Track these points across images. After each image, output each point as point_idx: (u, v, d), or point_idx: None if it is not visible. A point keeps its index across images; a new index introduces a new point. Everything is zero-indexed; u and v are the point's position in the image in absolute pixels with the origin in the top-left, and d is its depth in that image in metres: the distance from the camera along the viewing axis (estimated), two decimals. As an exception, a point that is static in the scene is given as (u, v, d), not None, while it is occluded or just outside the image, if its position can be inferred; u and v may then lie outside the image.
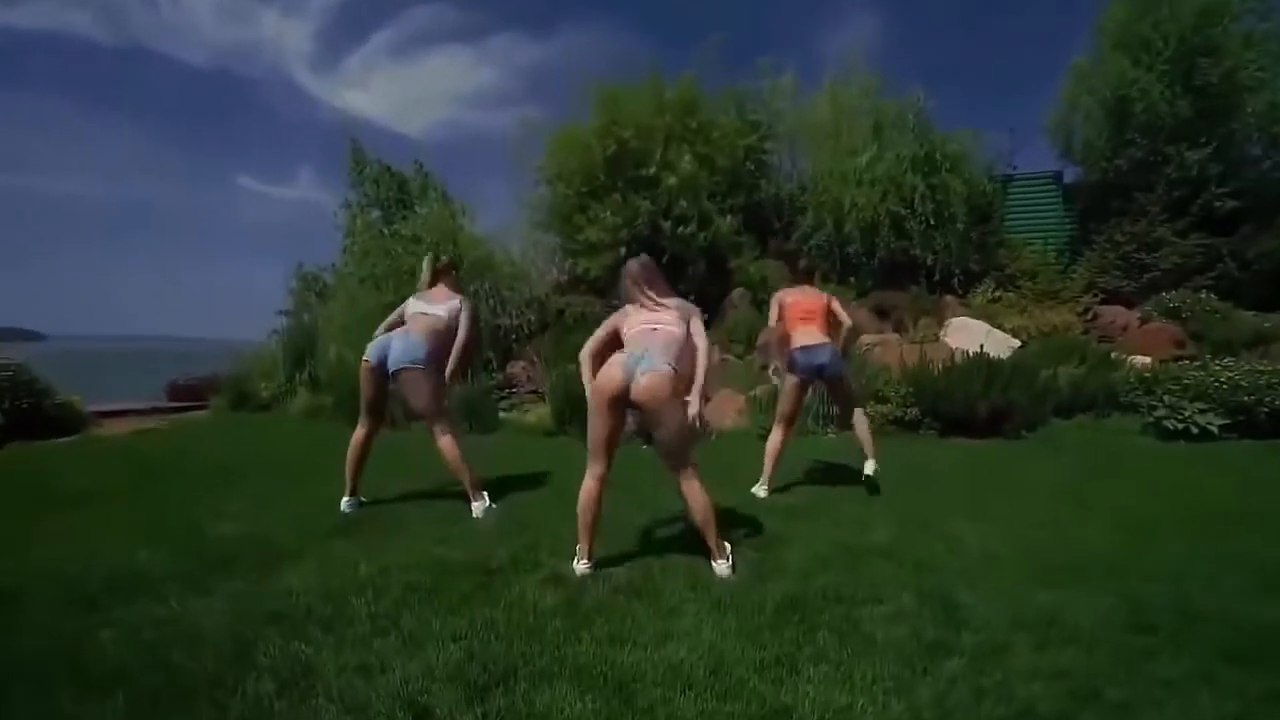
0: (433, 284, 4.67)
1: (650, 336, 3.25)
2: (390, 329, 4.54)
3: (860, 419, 4.99)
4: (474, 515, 4.19)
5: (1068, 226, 11.88)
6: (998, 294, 10.63)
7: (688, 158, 10.78)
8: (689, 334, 3.34)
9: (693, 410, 3.20)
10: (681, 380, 3.19)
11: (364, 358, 4.34)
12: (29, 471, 5.67)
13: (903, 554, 3.46)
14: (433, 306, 4.47)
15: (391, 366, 4.27)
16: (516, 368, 10.34)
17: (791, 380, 4.94)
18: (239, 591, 2.87)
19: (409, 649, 2.40)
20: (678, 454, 3.20)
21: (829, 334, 4.97)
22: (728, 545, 3.32)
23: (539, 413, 7.94)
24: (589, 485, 3.27)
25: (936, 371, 7.43)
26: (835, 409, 7.33)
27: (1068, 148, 11.84)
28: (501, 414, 9.21)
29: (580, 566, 3.20)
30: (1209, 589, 2.95)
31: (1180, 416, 6.80)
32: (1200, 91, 10.35)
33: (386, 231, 11.33)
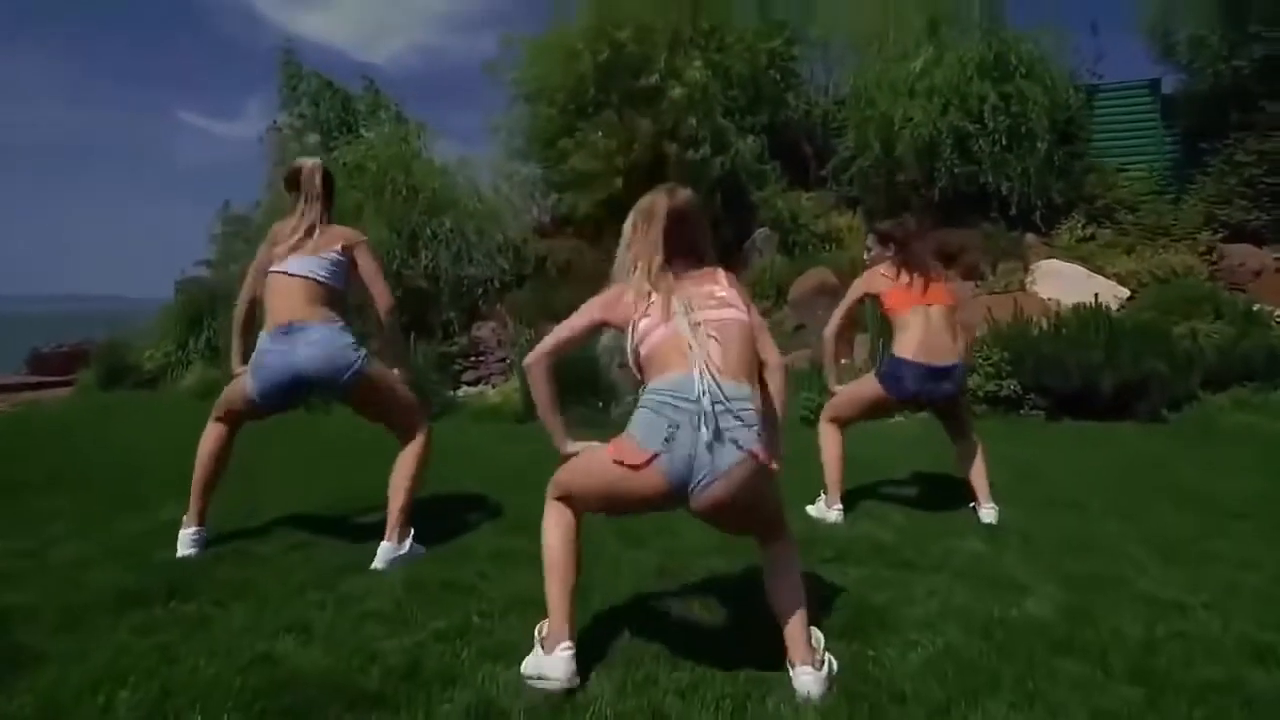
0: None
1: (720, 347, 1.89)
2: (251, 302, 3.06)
3: (971, 450, 3.51)
4: (375, 562, 2.76)
5: (1169, 146, 10.33)
6: (1089, 231, 9.12)
7: (698, 64, 9.34)
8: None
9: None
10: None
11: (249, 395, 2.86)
12: None
13: (1095, 644, 2.06)
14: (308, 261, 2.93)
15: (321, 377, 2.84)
16: (484, 330, 8.95)
17: (878, 393, 3.44)
18: None
19: None
20: (773, 524, 2.01)
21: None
22: (821, 638, 1.99)
23: (505, 390, 6.50)
24: (559, 534, 2.01)
25: (1039, 331, 5.98)
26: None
27: (1168, 48, 10.27)
28: (463, 389, 7.84)
29: (558, 657, 1.86)
30: None
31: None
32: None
33: (326, 159, 9.81)
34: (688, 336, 1.84)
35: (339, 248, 2.95)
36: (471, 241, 9.11)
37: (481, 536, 3.17)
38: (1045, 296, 7.45)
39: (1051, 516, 3.40)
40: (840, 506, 3.45)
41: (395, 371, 3.09)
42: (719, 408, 1.76)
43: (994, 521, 3.31)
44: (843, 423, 3.57)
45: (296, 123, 10.34)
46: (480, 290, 9.03)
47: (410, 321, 8.41)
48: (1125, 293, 7.67)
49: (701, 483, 1.76)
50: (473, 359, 8.56)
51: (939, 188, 9.34)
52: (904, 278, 3.41)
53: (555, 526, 1.99)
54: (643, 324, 1.93)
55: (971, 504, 3.46)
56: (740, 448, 1.75)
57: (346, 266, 2.98)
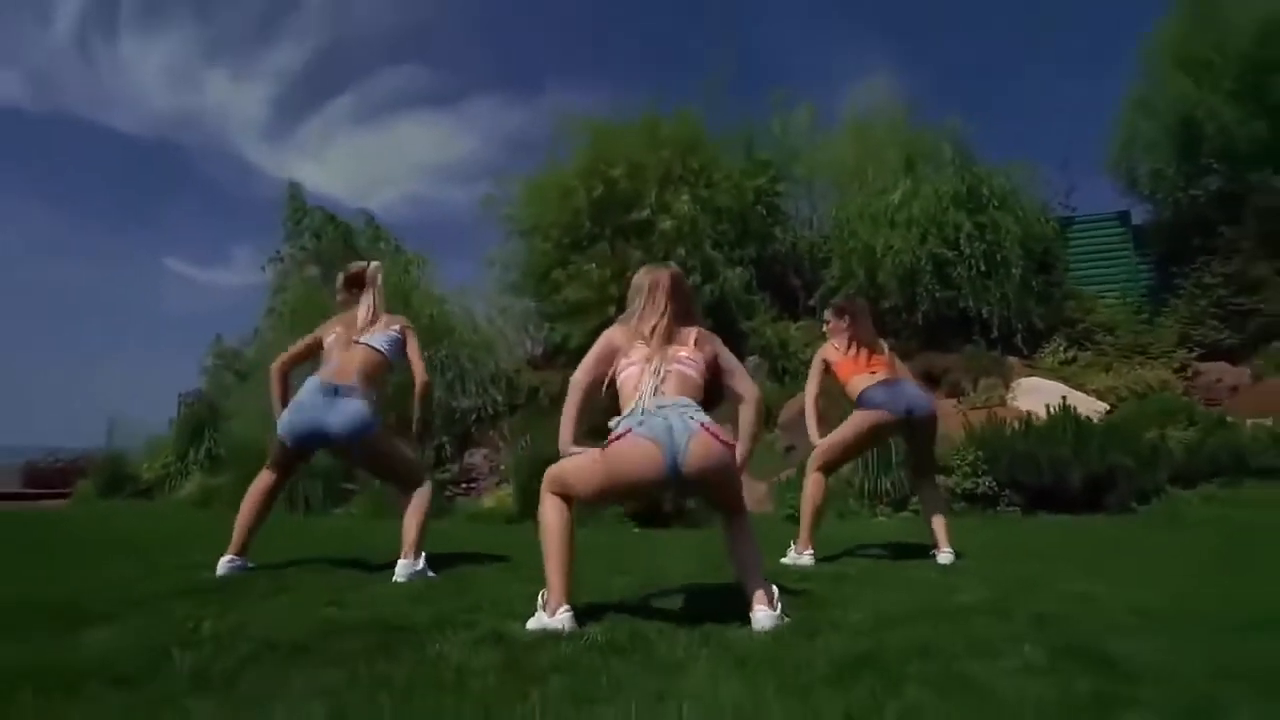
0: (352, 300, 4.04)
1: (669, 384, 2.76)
2: (296, 361, 3.98)
3: (936, 496, 4.39)
4: (395, 576, 3.49)
5: (1143, 272, 11.58)
6: (1071, 353, 10.15)
7: (686, 199, 10.59)
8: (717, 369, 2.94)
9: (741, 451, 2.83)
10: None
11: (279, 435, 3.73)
12: None
13: (1011, 610, 2.79)
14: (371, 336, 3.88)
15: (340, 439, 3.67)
16: (477, 456, 9.70)
17: (867, 418, 4.22)
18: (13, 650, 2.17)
19: (239, 707, 1.71)
20: (736, 500, 2.83)
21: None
22: (776, 590, 2.68)
23: (500, 495, 7.24)
24: (557, 515, 2.73)
25: (1012, 431, 6.83)
26: (911, 471, 6.72)
27: (1132, 182, 11.77)
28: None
29: (559, 617, 2.54)
30: None
31: (1335, 477, 6.17)
32: (1276, 112, 10.31)
33: (324, 288, 10.92)
34: (644, 380, 2.72)
35: (398, 328, 3.91)
36: (466, 370, 10.03)
37: (479, 569, 3.87)
38: (1025, 409, 8.31)
39: (1007, 563, 4.11)
40: (811, 551, 4.19)
41: (414, 426, 3.95)
42: (662, 409, 2.60)
43: (949, 562, 4.05)
44: (831, 466, 4.37)
45: (299, 254, 11.56)
46: (474, 418, 9.86)
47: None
48: (1104, 407, 8.54)
49: (682, 449, 2.52)
50: (463, 485, 9.29)
51: (921, 312, 10.43)
52: (851, 350, 4.35)
53: (552, 510, 2.71)
54: (623, 364, 2.83)
55: (931, 550, 4.20)
56: (693, 421, 2.58)
57: (401, 344, 3.91)
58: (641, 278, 3.02)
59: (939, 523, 4.24)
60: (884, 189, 10.93)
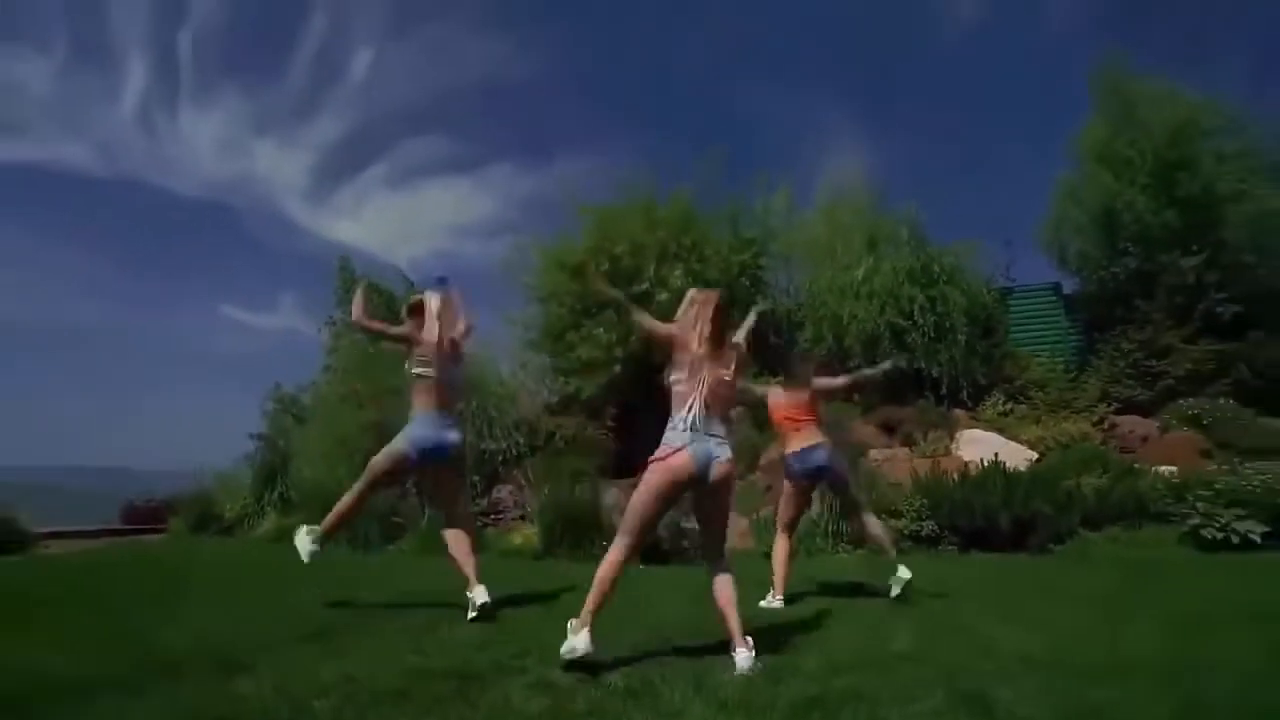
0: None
1: (716, 402, 3.29)
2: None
3: (871, 519, 4.95)
4: (477, 603, 4.03)
5: (1073, 337, 12.12)
6: (1008, 406, 10.66)
7: (680, 273, 11.09)
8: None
9: None
10: None
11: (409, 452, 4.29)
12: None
13: (931, 658, 3.28)
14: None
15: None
16: (503, 492, 10.14)
17: (789, 487, 4.91)
18: (187, 697, 2.66)
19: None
20: (723, 535, 3.48)
21: (820, 427, 4.94)
22: (750, 640, 3.19)
23: (526, 533, 7.71)
24: (615, 555, 3.26)
25: (952, 482, 7.32)
26: (844, 518, 7.20)
27: (1062, 259, 12.32)
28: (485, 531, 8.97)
29: (578, 643, 3.05)
30: (1271, 685, 2.77)
31: (1218, 524, 6.65)
32: (1184, 204, 10.90)
33: (372, 349, 11.44)
34: (695, 392, 3.26)
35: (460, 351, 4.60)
36: (493, 417, 10.54)
37: (520, 612, 4.36)
38: (967, 459, 8.79)
39: (939, 603, 4.61)
40: (781, 598, 4.69)
41: None
42: (710, 436, 3.21)
43: (906, 575, 4.58)
44: (785, 525, 4.91)
45: (349, 318, 12.06)
46: (500, 459, 10.34)
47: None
48: (1034, 455, 9.03)
49: (714, 461, 3.18)
50: (493, 517, 9.74)
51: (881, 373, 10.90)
52: (790, 397, 4.92)
53: (613, 561, 3.22)
54: (678, 370, 3.35)
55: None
56: (725, 451, 3.22)
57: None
58: (695, 295, 3.52)
59: (879, 535, 4.91)
60: (849, 265, 11.43)
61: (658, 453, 3.24)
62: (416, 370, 4.42)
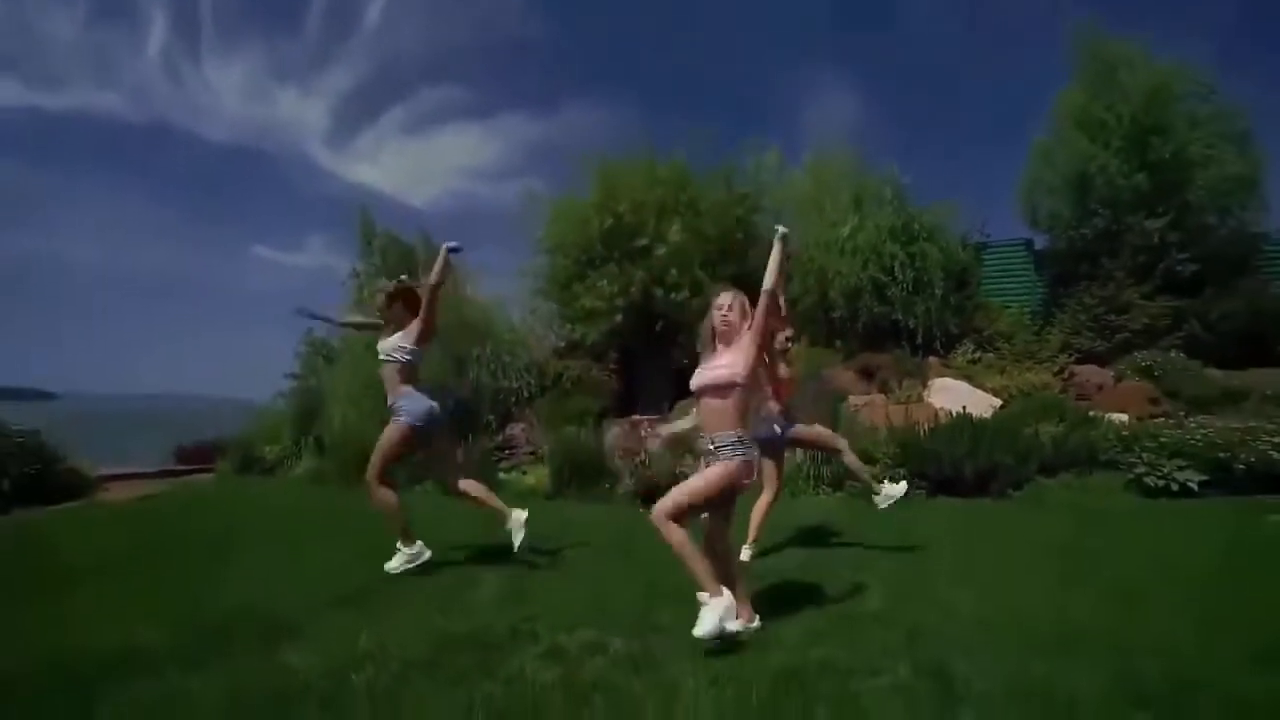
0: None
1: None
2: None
3: (847, 453, 5.01)
4: (516, 527, 4.27)
5: (1040, 291, 12.05)
6: (977, 355, 10.68)
7: (678, 228, 10.94)
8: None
9: None
10: None
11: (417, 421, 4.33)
12: (28, 543, 5.52)
13: (897, 621, 3.37)
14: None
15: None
16: (515, 430, 10.26)
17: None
18: (238, 669, 2.76)
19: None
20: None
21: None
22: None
23: (538, 474, 7.83)
24: (683, 534, 3.08)
25: (923, 432, 7.39)
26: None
27: (1035, 218, 12.09)
28: (500, 475, 9.12)
29: (726, 598, 3.06)
30: (1202, 659, 2.86)
31: (1160, 474, 6.75)
32: (1154, 167, 10.63)
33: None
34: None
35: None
36: (505, 362, 10.58)
37: (530, 567, 4.46)
38: (938, 406, 8.87)
39: (906, 557, 4.73)
40: (751, 548, 4.77)
41: None
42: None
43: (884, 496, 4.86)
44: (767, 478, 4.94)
45: (370, 269, 11.98)
46: (513, 399, 10.43)
47: (459, 423, 9.79)
48: (998, 403, 9.11)
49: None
50: (507, 451, 9.89)
51: (862, 323, 10.93)
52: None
53: (676, 532, 3.02)
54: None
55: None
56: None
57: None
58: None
59: (855, 466, 5.04)
60: (835, 222, 11.28)
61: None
62: (406, 356, 4.37)
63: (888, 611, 3.54)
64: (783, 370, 4.85)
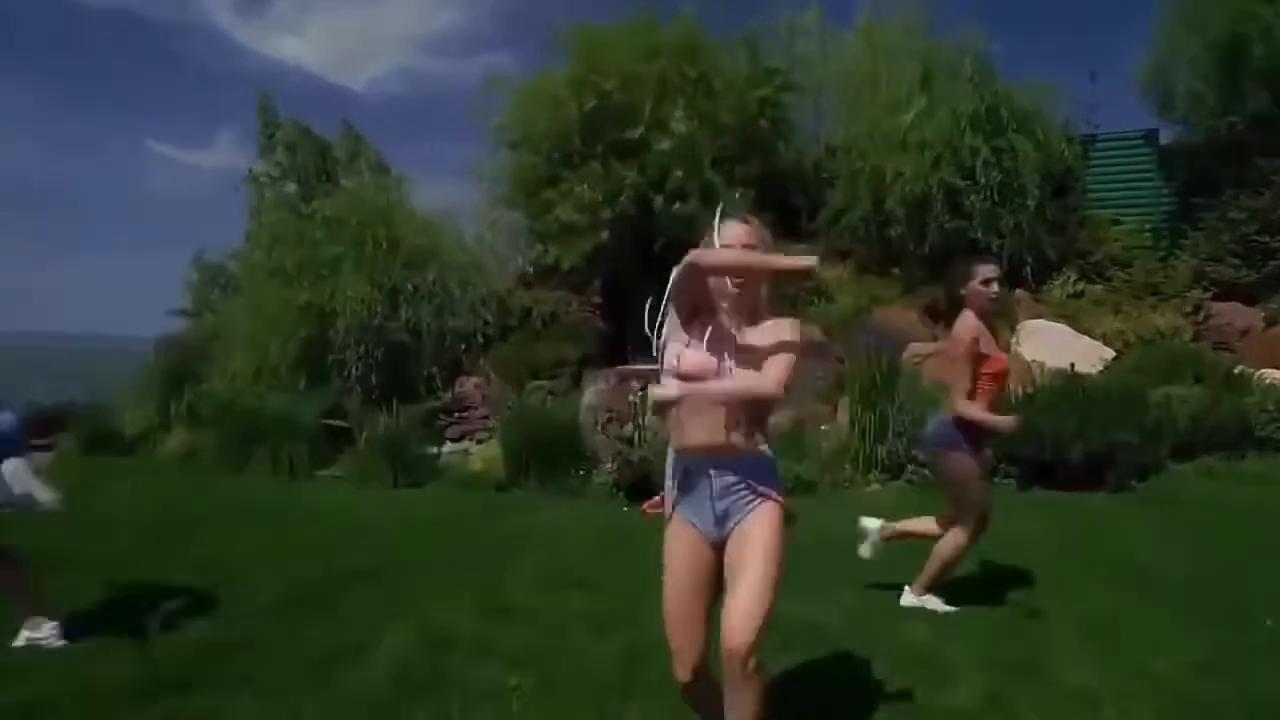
0: None
1: None
2: None
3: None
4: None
5: (1165, 200, 11.07)
6: (1080, 287, 9.85)
7: (683, 114, 9.96)
8: None
9: None
10: None
11: None
12: None
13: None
14: None
15: None
16: (468, 385, 9.57)
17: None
18: None
19: None
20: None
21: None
22: None
23: (489, 456, 7.13)
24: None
25: (1014, 399, 6.64)
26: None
27: (1166, 101, 11.00)
28: (447, 446, 8.47)
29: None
30: None
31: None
32: (1336, 29, 9.52)
33: (305, 210, 10.47)
34: None
35: None
36: (455, 295, 9.78)
37: (463, 620, 3.76)
38: (1030, 358, 8.10)
39: (997, 593, 4.03)
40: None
41: None
42: None
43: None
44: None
45: (273, 171, 11.05)
46: (463, 345, 9.66)
47: (389, 379, 9.08)
48: (1110, 354, 8.35)
49: None
50: (456, 415, 9.18)
51: (930, 243, 10.03)
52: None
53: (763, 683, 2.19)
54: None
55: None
56: None
57: None
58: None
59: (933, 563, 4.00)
60: (897, 107, 10.27)
61: None
62: None
63: (991, 697, 2.84)
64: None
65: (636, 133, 10.03)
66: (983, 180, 9.79)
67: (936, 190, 9.87)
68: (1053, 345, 8.36)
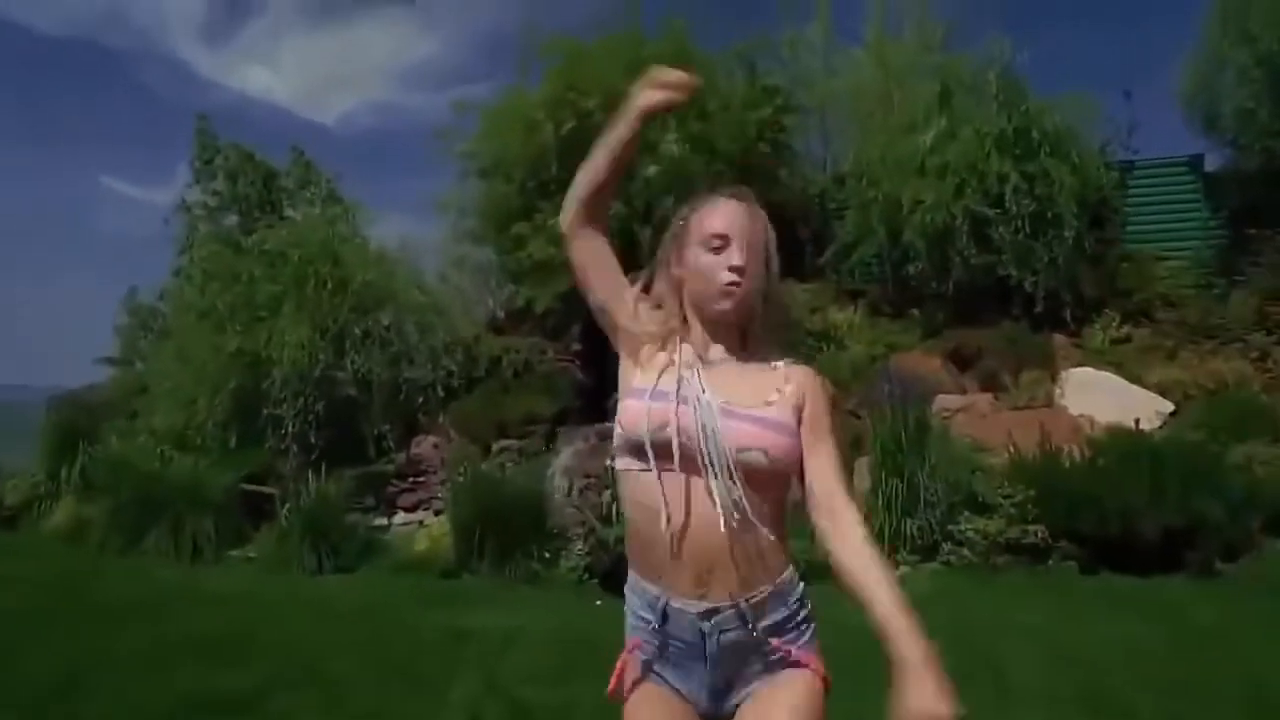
0: None
1: None
2: None
3: None
4: None
5: (1215, 232, 10.41)
6: (1125, 331, 9.11)
7: (674, 136, 9.39)
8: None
9: None
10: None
11: None
12: None
13: None
14: None
15: None
16: (424, 445, 8.80)
17: None
18: None
19: None
20: None
21: None
22: None
23: (437, 534, 6.24)
24: None
25: (1070, 462, 5.82)
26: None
27: (1211, 121, 10.41)
28: (399, 517, 7.64)
29: None
30: None
31: None
32: None
33: (243, 244, 9.72)
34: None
35: None
36: (412, 341, 9.01)
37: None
38: (1077, 413, 7.35)
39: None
40: None
41: None
42: None
43: None
44: None
45: (211, 200, 10.33)
46: (421, 399, 8.87)
47: (333, 437, 8.24)
48: (1169, 407, 7.57)
49: None
50: (410, 480, 8.35)
51: (953, 280, 9.36)
52: None
53: None
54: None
55: None
56: None
57: None
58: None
59: None
60: (913, 128, 9.70)
61: None
62: None
63: None
64: None
65: (621, 156, 9.41)
66: (1013, 209, 9.12)
67: (960, 221, 9.20)
68: (1102, 398, 7.61)
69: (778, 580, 1.47)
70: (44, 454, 7.86)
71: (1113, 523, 5.48)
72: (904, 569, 5.72)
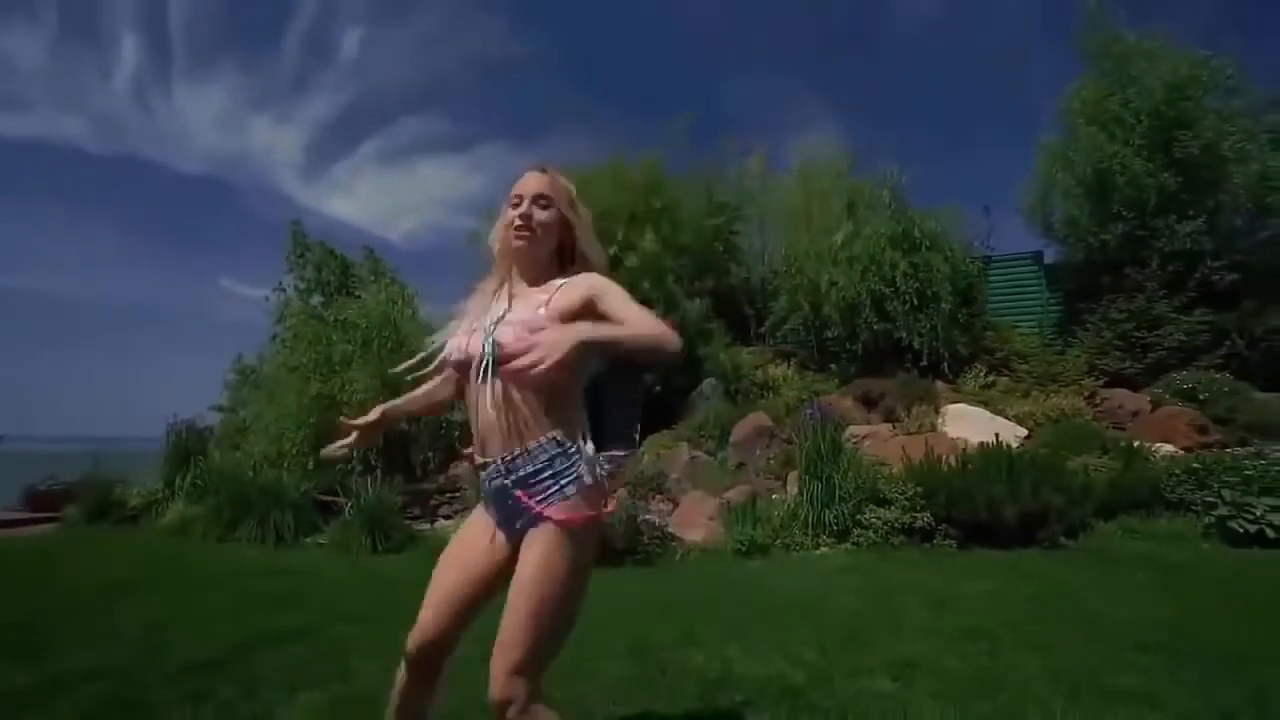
0: None
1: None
2: None
3: None
4: None
5: (1054, 307, 10.69)
6: (991, 379, 9.26)
7: (649, 237, 9.57)
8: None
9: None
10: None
11: None
12: None
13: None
14: None
15: None
16: (461, 468, 8.68)
17: None
18: None
19: None
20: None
21: None
22: None
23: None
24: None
25: (948, 467, 5.89)
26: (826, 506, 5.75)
27: (1047, 226, 10.80)
28: (440, 523, 7.55)
29: None
30: None
31: (1250, 516, 5.28)
32: (1182, 164, 9.39)
33: (325, 316, 9.81)
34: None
35: None
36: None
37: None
38: (954, 436, 7.42)
39: (964, 649, 3.19)
40: None
41: None
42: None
43: None
44: None
45: (301, 284, 10.45)
46: (457, 432, 8.86)
47: (390, 462, 8.22)
48: (1023, 431, 7.67)
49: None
50: (449, 495, 8.29)
51: (861, 342, 9.51)
52: None
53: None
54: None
55: None
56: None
57: None
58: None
59: None
60: (828, 230, 10.00)
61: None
62: None
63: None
64: None
65: (610, 251, 9.61)
66: (903, 289, 9.36)
67: (865, 298, 9.44)
68: (973, 425, 7.67)
69: (530, 445, 1.55)
70: (163, 466, 7.74)
71: (981, 510, 5.52)
72: (823, 549, 5.72)
